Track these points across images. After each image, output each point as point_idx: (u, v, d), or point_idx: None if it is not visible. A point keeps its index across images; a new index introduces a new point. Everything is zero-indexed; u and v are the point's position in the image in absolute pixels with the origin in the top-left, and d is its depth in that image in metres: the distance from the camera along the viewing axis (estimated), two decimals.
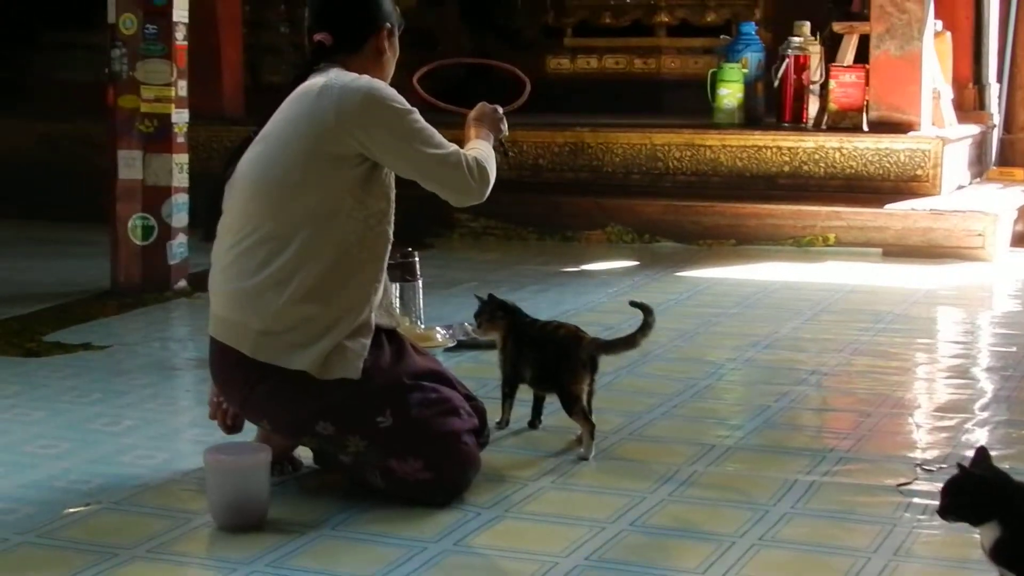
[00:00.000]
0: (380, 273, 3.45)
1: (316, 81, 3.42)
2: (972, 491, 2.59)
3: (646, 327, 3.81)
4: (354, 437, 3.36)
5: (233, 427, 3.63)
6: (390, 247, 3.47)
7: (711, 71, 8.05)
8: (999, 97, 8.99)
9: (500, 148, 3.72)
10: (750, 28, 8.23)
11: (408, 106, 3.39)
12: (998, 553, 2.55)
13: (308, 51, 3.57)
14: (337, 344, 3.33)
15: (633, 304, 3.88)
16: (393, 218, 3.46)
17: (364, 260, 3.39)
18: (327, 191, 3.34)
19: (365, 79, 3.41)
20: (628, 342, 3.83)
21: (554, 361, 3.81)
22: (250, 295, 3.34)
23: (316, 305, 3.32)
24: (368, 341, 3.39)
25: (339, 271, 3.34)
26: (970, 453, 2.68)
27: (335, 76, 3.41)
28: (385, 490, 3.38)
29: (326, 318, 3.32)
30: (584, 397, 3.78)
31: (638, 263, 6.93)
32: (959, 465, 2.66)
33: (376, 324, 3.43)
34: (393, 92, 3.41)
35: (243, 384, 3.40)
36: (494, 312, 3.94)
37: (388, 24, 3.57)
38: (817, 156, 7.55)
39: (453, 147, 3.45)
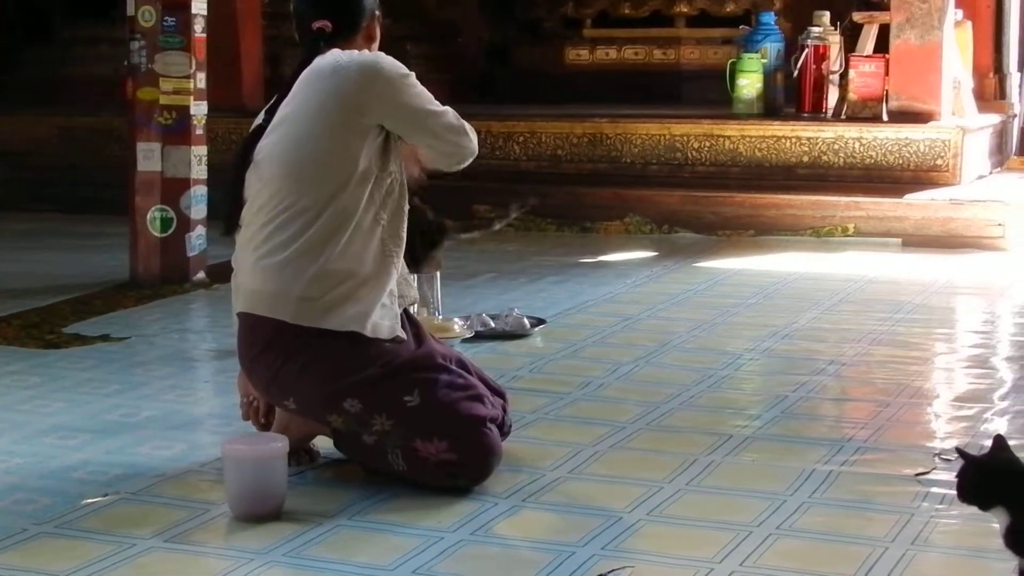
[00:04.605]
0: (403, 234, 3.55)
1: (325, 62, 3.51)
2: (974, 476, 2.59)
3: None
4: (380, 416, 3.38)
5: (267, 424, 3.64)
6: (407, 209, 3.58)
7: (730, 61, 8.02)
8: (1020, 86, 8.94)
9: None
10: (769, 18, 8.20)
11: (409, 71, 3.53)
12: (1009, 540, 2.54)
13: (306, 39, 3.61)
14: (374, 306, 3.42)
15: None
16: (406, 210, 3.58)
17: (389, 222, 3.49)
18: (356, 161, 3.42)
19: (371, 53, 3.57)
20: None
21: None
22: (286, 265, 3.41)
23: (350, 268, 3.40)
24: (397, 308, 3.51)
25: (370, 235, 3.44)
26: (989, 443, 2.67)
27: (341, 54, 3.52)
28: (406, 473, 3.39)
29: (360, 280, 3.41)
30: None
31: (657, 254, 6.92)
32: (957, 449, 2.65)
33: (400, 293, 3.55)
34: (396, 61, 3.54)
35: (275, 358, 3.43)
36: None
37: (377, 11, 3.69)
38: (836, 146, 7.52)
39: (447, 108, 3.60)
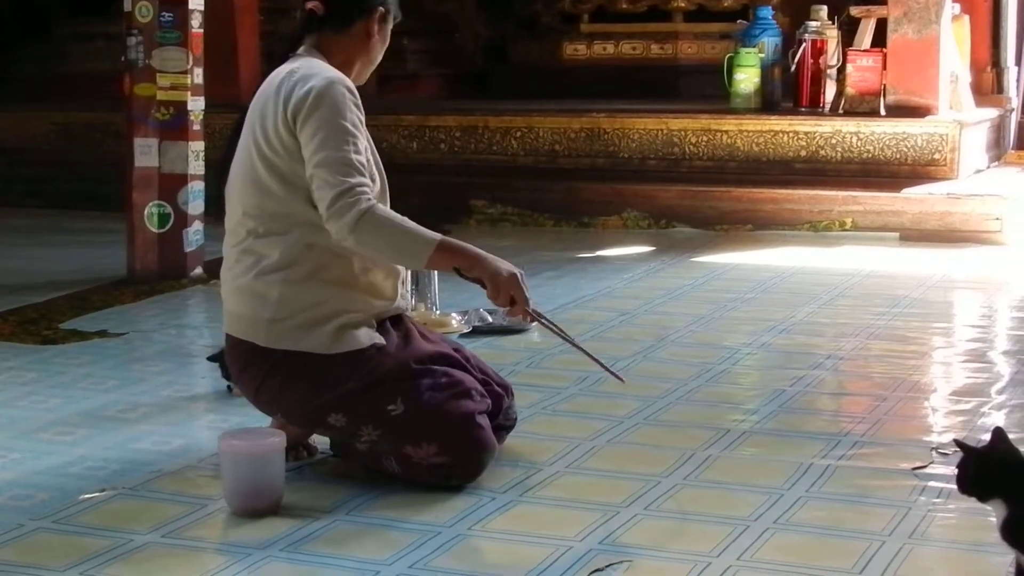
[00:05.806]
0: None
1: (281, 70, 3.41)
2: (974, 468, 2.59)
3: None
4: (367, 427, 3.35)
5: None
6: None
7: (728, 56, 8.02)
8: (1017, 80, 8.94)
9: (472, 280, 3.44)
10: (767, 13, 8.19)
11: (355, 129, 3.30)
12: (1006, 532, 2.54)
13: (299, 20, 3.54)
14: (349, 323, 3.36)
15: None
16: (388, 197, 3.45)
17: None
18: (304, 183, 3.33)
19: (326, 77, 3.34)
20: None
21: None
22: (255, 287, 3.37)
23: (321, 289, 3.35)
24: (374, 320, 3.42)
25: (341, 255, 3.35)
26: (987, 436, 2.67)
27: (300, 65, 3.40)
28: (401, 475, 3.38)
29: (333, 301, 3.36)
30: None
31: (654, 248, 6.92)
32: (956, 441, 2.65)
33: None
34: (348, 105, 3.32)
35: (256, 374, 3.42)
36: None
37: (382, 8, 3.54)
38: (834, 141, 7.52)
39: (364, 186, 3.26)
